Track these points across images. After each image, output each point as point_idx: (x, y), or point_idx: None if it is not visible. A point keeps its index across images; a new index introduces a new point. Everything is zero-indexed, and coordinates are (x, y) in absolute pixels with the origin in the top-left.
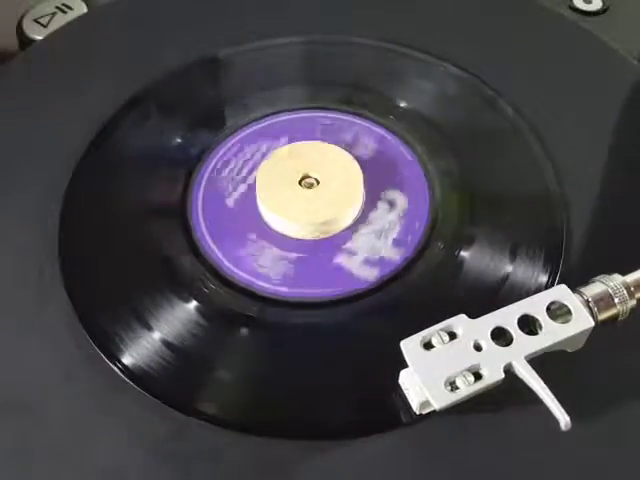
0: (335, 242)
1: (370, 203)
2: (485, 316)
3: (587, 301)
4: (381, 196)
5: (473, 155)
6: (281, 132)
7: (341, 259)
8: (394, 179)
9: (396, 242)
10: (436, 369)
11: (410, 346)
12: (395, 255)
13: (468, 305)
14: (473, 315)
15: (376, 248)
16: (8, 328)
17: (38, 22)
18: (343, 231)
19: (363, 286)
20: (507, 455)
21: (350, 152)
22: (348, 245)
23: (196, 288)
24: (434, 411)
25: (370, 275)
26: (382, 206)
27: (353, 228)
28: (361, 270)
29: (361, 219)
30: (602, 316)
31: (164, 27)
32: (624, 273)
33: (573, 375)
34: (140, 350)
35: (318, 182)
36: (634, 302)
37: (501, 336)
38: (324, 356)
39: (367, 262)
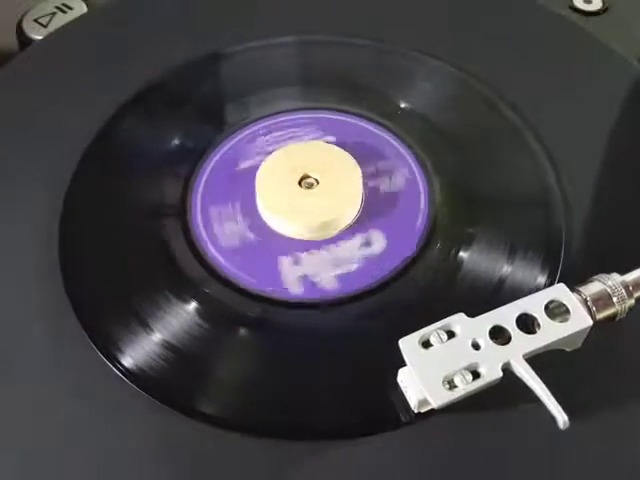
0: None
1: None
2: (483, 315)
3: (585, 300)
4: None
5: (473, 155)
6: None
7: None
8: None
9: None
10: (434, 367)
11: (408, 344)
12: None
13: (468, 305)
14: (472, 315)
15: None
16: (7, 330)
17: (38, 22)
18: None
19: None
20: (506, 454)
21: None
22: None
23: (196, 289)
24: (433, 410)
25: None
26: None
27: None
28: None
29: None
30: (600, 315)
31: (164, 27)
32: (623, 273)
33: (571, 374)
34: (140, 351)
35: (318, 182)
36: (632, 301)
37: (499, 335)
38: (324, 356)
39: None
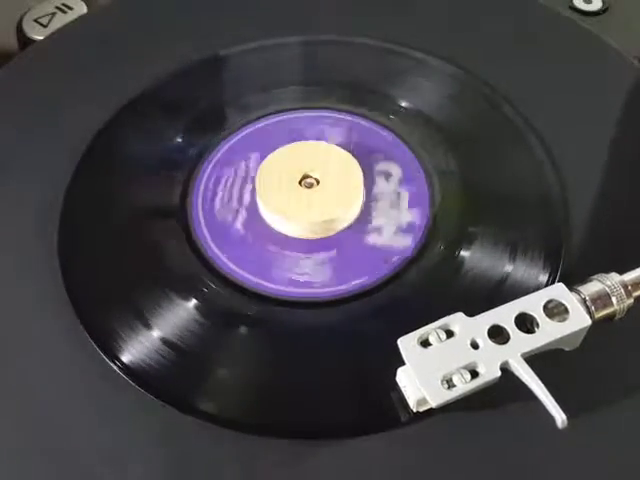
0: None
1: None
2: (482, 314)
3: (584, 299)
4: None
5: (473, 155)
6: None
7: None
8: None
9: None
10: (433, 366)
11: (407, 344)
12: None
13: (468, 305)
14: (472, 314)
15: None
16: (8, 328)
17: (38, 22)
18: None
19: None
20: (505, 453)
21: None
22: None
23: (196, 287)
24: (433, 410)
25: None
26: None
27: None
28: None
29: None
30: (599, 315)
31: (164, 27)
32: (623, 273)
33: (570, 374)
34: (140, 349)
35: (318, 182)
36: (631, 301)
37: (498, 334)
38: (323, 355)
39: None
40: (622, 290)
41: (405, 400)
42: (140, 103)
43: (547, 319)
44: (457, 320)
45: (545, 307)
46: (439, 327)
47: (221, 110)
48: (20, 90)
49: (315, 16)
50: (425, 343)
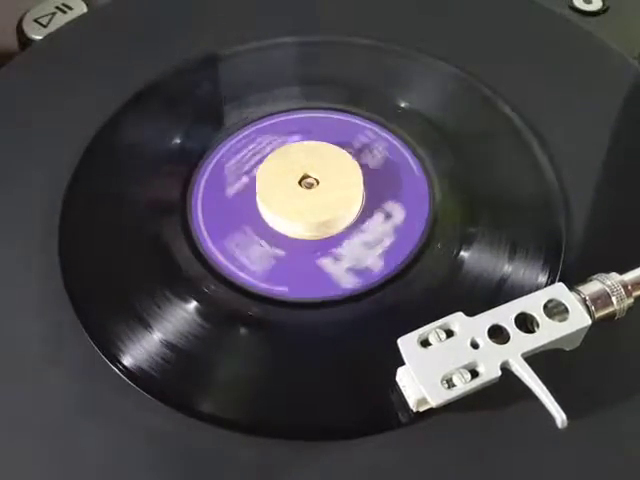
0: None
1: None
2: (482, 314)
3: (584, 299)
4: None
5: (473, 155)
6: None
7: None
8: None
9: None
10: (433, 366)
11: (407, 343)
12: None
13: (469, 305)
14: (472, 314)
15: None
16: (8, 329)
17: (38, 22)
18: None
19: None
20: (505, 454)
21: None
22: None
23: (196, 288)
24: (432, 409)
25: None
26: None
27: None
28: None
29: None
30: (599, 314)
31: (164, 27)
32: (624, 273)
33: (570, 373)
34: (140, 351)
35: (318, 182)
36: (631, 301)
37: (498, 334)
38: (324, 356)
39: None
40: (622, 290)
41: (405, 400)
42: (140, 103)
43: (547, 319)
44: (457, 320)
45: (545, 307)
46: (439, 327)
47: (221, 110)
48: (20, 90)
49: (315, 16)
50: (425, 343)
